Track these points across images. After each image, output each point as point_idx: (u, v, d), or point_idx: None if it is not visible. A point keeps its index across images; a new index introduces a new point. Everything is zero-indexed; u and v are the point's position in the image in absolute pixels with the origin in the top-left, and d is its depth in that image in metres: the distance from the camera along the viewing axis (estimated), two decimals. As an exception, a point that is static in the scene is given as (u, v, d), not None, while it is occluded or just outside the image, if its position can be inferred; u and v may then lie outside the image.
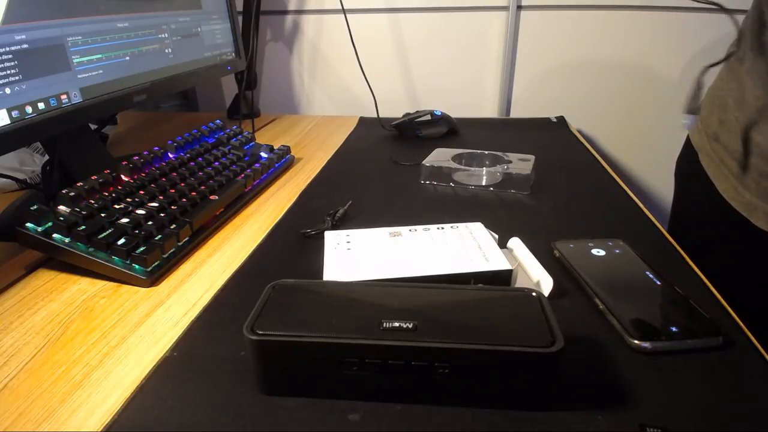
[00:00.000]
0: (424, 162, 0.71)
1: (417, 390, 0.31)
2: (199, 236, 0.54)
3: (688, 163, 0.69)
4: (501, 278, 0.42)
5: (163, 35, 0.72)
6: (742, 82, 0.58)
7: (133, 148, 0.87)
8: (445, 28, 1.10)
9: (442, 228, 0.49)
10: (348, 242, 0.47)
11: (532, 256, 0.46)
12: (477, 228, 0.49)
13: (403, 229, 0.49)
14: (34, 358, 0.38)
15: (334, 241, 0.47)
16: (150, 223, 0.51)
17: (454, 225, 0.49)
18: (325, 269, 0.43)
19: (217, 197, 0.59)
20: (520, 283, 0.44)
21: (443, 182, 0.70)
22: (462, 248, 0.45)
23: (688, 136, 0.72)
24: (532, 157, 0.71)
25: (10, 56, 0.48)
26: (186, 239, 0.52)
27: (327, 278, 0.42)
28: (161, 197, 0.55)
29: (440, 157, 0.73)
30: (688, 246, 0.52)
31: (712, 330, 0.37)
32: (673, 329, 0.37)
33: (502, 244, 0.49)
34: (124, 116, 1.08)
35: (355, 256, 0.44)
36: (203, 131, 0.75)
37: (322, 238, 0.48)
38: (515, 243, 0.49)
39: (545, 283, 0.43)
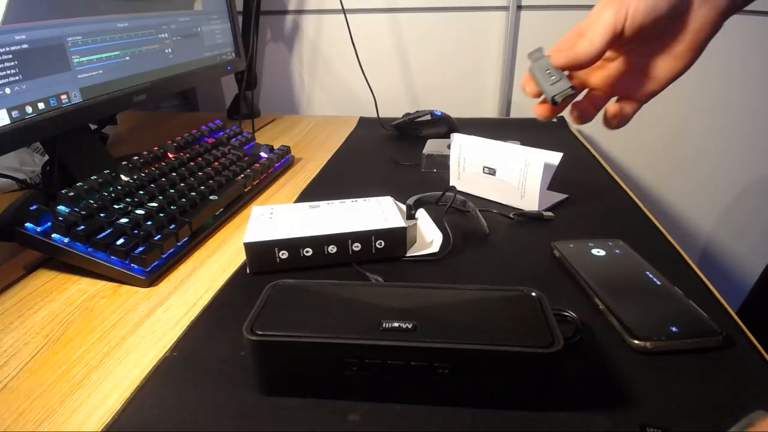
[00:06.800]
0: (423, 151, 0.74)
1: (417, 390, 0.31)
2: (199, 236, 0.54)
3: None
4: (396, 234, 0.48)
5: (163, 35, 0.72)
6: None
7: (133, 148, 0.87)
8: (445, 28, 1.10)
9: (356, 201, 0.54)
10: (271, 213, 0.52)
11: (433, 224, 0.51)
12: (386, 200, 0.54)
13: (322, 203, 0.54)
14: (34, 358, 0.38)
15: (259, 213, 0.52)
16: (149, 223, 0.51)
17: (367, 198, 0.54)
18: (247, 234, 0.47)
19: (216, 197, 0.59)
20: (418, 240, 0.52)
21: (443, 169, 0.70)
22: (368, 214, 0.51)
23: None
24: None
25: (10, 56, 0.48)
26: (185, 239, 0.52)
27: (247, 240, 0.46)
28: (161, 197, 0.55)
29: (436, 146, 0.76)
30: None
31: (712, 330, 0.36)
32: (673, 329, 0.37)
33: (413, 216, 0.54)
34: (124, 116, 1.07)
35: (275, 222, 0.49)
36: (203, 131, 0.75)
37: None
38: (421, 213, 0.54)
39: (436, 240, 0.50)
